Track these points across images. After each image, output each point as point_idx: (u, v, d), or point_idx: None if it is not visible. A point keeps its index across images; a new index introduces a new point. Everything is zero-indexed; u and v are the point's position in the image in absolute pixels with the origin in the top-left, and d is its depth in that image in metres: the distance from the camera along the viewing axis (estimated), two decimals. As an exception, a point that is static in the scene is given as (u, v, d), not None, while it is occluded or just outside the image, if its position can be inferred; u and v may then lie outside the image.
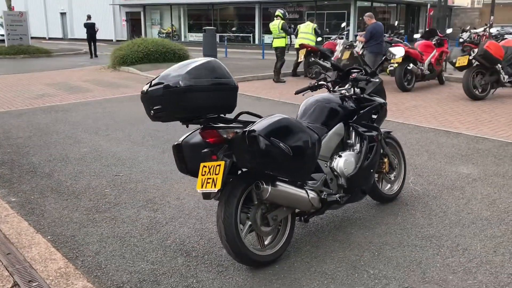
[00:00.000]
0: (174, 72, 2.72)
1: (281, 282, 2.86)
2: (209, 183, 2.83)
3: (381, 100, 3.82)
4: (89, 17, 20.52)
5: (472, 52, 8.58)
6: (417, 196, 4.16)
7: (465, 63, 8.65)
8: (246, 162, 2.81)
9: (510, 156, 5.31)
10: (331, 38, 13.93)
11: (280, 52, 11.75)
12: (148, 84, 2.81)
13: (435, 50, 10.34)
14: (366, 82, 3.77)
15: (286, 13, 12.25)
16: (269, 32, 12.94)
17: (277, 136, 2.76)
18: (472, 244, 3.27)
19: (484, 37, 14.72)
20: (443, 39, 10.64)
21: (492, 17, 11.14)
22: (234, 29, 32.16)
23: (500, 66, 8.72)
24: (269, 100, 9.36)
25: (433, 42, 10.48)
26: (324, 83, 3.84)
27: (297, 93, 3.91)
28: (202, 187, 2.86)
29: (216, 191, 2.80)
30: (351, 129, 3.58)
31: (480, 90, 8.78)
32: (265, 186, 2.82)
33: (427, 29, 12.25)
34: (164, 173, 4.91)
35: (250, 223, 2.97)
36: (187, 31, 34.48)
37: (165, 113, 2.75)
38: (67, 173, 4.95)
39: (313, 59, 12.17)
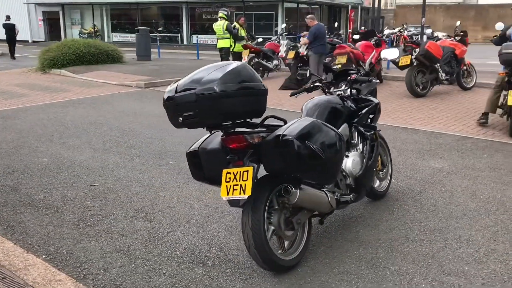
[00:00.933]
0: (206, 76, 2.61)
1: (310, 286, 2.85)
2: (236, 189, 2.75)
3: (376, 100, 3.92)
4: (8, 17, 19.18)
5: (414, 52, 9.06)
6: (403, 192, 4.32)
7: (408, 62, 9.12)
8: (276, 166, 2.77)
9: (470, 149, 5.67)
10: (272, 39, 14.09)
11: (225, 53, 11.71)
12: (173, 89, 2.69)
13: (374, 51, 10.78)
14: (361, 83, 3.85)
15: (230, 13, 12.22)
16: (199, 32, 12.82)
17: (310, 139, 2.74)
18: (472, 234, 3.45)
19: (402, 37, 15.66)
20: (381, 40, 11.14)
21: (423, 19, 11.91)
22: (160, 29, 31.49)
23: (438, 64, 9.28)
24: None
25: (373, 43, 10.93)
26: (320, 84, 3.87)
27: (292, 94, 3.91)
28: (228, 194, 2.78)
29: (246, 197, 2.74)
30: (353, 129, 3.65)
31: (421, 88, 9.28)
32: (294, 190, 2.80)
33: (366, 30, 12.75)
34: (142, 180, 4.71)
35: (273, 228, 2.93)
36: (111, 31, 33.24)
37: (197, 119, 2.64)
38: (35, 185, 4.59)
39: (256, 59, 12.23)
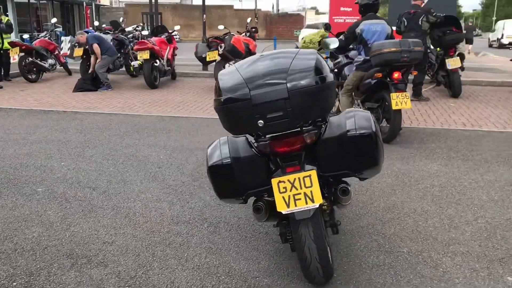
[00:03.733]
0: (294, 65, 2.11)
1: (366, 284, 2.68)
2: (299, 199, 2.36)
3: None
4: None
5: (220, 47, 9.24)
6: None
7: (216, 57, 9.27)
8: (342, 165, 2.46)
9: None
10: (40, 36, 12.22)
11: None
12: (240, 87, 2.09)
13: (168, 47, 10.57)
14: None
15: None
16: None
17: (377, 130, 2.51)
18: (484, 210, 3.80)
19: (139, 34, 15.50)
20: (171, 36, 10.96)
21: (204, 15, 12.14)
22: None
23: (240, 59, 9.72)
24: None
25: (165, 39, 10.67)
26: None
27: None
28: (289, 207, 2.35)
29: (317, 206, 2.36)
30: None
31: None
32: (350, 189, 2.54)
33: (157, 25, 12.26)
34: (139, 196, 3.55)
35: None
36: None
37: (288, 121, 2.13)
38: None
39: (30, 59, 10.48)
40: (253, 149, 2.51)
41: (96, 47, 9.37)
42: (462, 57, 8.51)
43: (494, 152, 5.22)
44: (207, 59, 9.29)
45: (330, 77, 2.22)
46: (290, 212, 2.37)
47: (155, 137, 5.93)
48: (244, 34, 10.64)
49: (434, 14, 7.82)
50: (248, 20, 11.32)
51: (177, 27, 11.10)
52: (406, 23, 7.90)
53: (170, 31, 11.02)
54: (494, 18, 59.84)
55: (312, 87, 2.14)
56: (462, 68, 8.67)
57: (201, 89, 9.81)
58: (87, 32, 10.29)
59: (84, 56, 10.03)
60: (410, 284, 2.70)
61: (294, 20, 42.17)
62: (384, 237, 3.26)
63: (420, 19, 7.78)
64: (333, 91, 2.31)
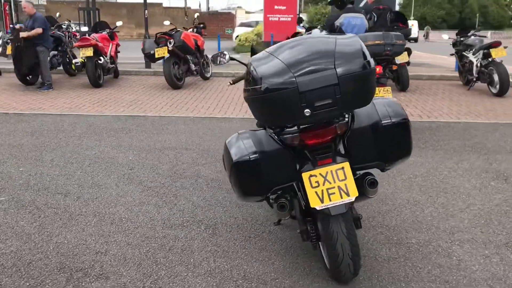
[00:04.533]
0: (341, 49, 1.97)
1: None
2: (333, 193, 2.24)
3: None
4: None
5: (169, 43, 8.91)
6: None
7: (165, 54, 8.92)
8: (374, 156, 2.36)
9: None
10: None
11: None
12: (281, 73, 1.92)
13: (111, 43, 10.05)
14: None
15: None
16: None
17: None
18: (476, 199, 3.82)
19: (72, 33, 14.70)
20: (114, 32, 10.44)
21: (146, 11, 11.52)
22: None
23: (190, 56, 9.44)
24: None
25: (107, 35, 10.13)
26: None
27: (234, 82, 3.36)
28: (323, 202, 2.23)
29: (353, 199, 2.25)
30: None
31: (177, 79, 9.23)
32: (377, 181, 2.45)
33: (97, 22, 11.56)
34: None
35: None
36: None
37: (336, 108, 1.98)
38: None
39: None
40: (276, 142, 2.35)
41: (39, 30, 8.49)
42: (409, 51, 8.78)
43: (459, 141, 5.39)
44: (156, 56, 8.91)
45: (373, 61, 2.11)
46: (325, 207, 2.24)
47: (116, 137, 5.57)
48: (191, 30, 10.33)
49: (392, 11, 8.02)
50: (195, 15, 11.00)
51: (119, 23, 10.57)
52: (376, 19, 8.00)
53: (112, 28, 10.47)
54: (412, 18, 63.15)
55: (362, 72, 2.02)
56: (408, 63, 8.95)
57: (150, 87, 9.41)
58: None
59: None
60: (431, 274, 2.67)
61: (225, 19, 41.98)
62: (388, 229, 3.22)
63: (387, 15, 7.94)
64: (375, 77, 2.21)
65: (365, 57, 2.04)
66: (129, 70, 11.32)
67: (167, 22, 10.41)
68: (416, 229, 3.22)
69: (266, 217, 3.41)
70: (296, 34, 9.17)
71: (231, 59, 3.48)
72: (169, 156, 4.84)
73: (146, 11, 11.64)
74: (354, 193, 2.25)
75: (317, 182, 2.24)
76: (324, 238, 2.36)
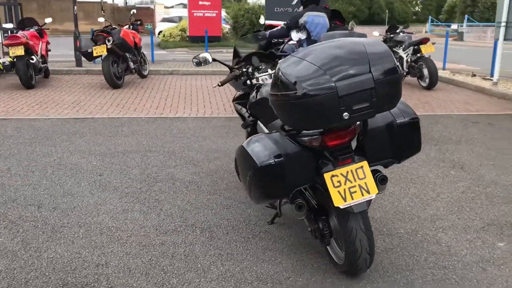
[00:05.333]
0: (373, 52, 2.04)
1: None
2: (355, 192, 2.34)
3: None
4: None
5: (107, 41, 8.58)
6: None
7: (104, 52, 8.59)
8: (388, 154, 2.47)
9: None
10: None
11: None
12: (325, 79, 1.97)
13: (41, 42, 9.47)
14: None
15: None
16: None
17: None
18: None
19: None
20: (42, 29, 9.82)
21: (75, 7, 10.72)
22: None
23: (128, 54, 9.15)
24: None
25: (36, 32, 9.52)
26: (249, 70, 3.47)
27: (223, 84, 3.36)
28: (346, 201, 2.32)
29: (373, 197, 2.36)
30: None
31: (117, 78, 8.91)
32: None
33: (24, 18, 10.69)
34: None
35: None
36: None
37: (372, 111, 2.06)
38: None
39: None
40: (295, 144, 2.40)
41: None
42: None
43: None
44: (94, 54, 8.54)
45: (399, 66, 2.22)
46: (348, 206, 2.33)
47: (71, 142, 5.30)
48: (127, 26, 9.98)
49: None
50: (132, 12, 10.62)
51: (48, 20, 9.93)
52: None
53: (40, 24, 9.84)
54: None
55: (394, 76, 2.11)
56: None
57: (87, 87, 9.00)
58: None
59: None
60: (429, 261, 2.86)
61: (144, 14, 40.75)
62: (376, 221, 3.39)
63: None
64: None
65: (394, 61, 2.14)
66: (59, 69, 10.74)
67: (101, 19, 9.98)
68: (400, 220, 3.42)
69: (257, 216, 3.45)
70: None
71: (214, 60, 3.47)
72: (136, 159, 4.71)
73: (75, 7, 11.04)
74: (374, 190, 2.36)
75: (338, 181, 2.32)
76: (342, 235, 2.45)
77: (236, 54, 3.78)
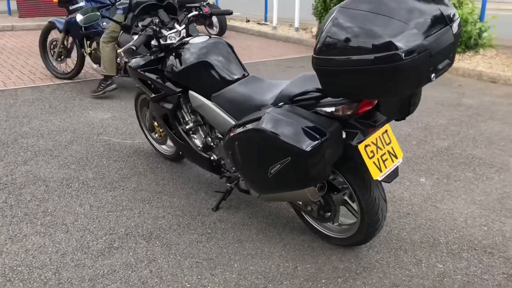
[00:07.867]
0: (439, 5, 1.74)
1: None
2: (386, 159, 2.14)
3: None
4: None
5: None
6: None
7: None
8: (396, 112, 2.27)
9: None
10: None
11: None
12: (416, 35, 1.61)
13: None
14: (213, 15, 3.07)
15: None
16: None
17: None
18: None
19: None
20: None
21: None
22: None
23: None
24: None
25: None
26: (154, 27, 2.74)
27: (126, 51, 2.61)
28: (382, 171, 2.10)
29: (401, 161, 2.17)
30: None
31: None
32: None
33: None
34: None
35: None
36: None
37: (449, 68, 1.79)
38: None
39: None
40: (326, 117, 2.02)
41: None
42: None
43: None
44: None
45: None
46: (385, 175, 2.09)
47: None
48: None
49: None
50: None
51: None
52: None
53: None
54: None
55: (460, 30, 1.88)
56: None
57: None
58: None
59: None
60: (422, 248, 2.52)
61: None
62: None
63: None
64: None
65: (455, 10, 1.91)
66: None
67: None
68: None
69: (192, 205, 2.89)
70: None
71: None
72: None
73: None
74: (400, 154, 2.18)
75: (372, 151, 2.06)
76: (366, 207, 2.22)
77: (126, 30, 2.96)
